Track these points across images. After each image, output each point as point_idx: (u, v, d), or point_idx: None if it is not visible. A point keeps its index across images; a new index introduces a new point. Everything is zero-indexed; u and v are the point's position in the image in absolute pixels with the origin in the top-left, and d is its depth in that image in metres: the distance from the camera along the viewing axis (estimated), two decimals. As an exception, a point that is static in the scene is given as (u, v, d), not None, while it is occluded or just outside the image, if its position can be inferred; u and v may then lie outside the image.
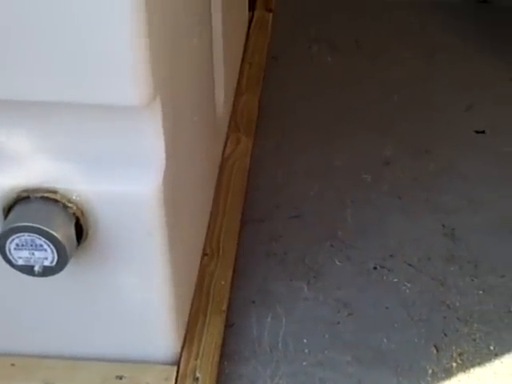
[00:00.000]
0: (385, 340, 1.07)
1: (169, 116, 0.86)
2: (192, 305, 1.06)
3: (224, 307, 1.08)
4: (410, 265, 1.18)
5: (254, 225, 1.25)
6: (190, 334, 1.02)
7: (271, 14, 1.70)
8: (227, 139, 1.36)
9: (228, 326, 1.09)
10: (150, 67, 0.77)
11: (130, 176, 0.85)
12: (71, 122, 0.82)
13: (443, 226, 1.24)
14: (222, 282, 1.10)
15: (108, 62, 0.74)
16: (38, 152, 0.84)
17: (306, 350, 1.06)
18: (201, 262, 1.13)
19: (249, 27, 1.65)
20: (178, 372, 0.98)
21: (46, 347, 0.99)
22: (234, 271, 1.15)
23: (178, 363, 0.99)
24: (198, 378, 0.98)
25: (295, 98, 1.51)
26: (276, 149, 1.39)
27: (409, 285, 1.15)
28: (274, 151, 1.39)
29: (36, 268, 0.85)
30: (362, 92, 1.51)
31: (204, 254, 1.14)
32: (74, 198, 0.85)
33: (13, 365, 0.99)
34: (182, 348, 1.01)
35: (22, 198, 0.85)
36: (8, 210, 0.86)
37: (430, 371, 1.04)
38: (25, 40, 0.73)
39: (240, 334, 1.08)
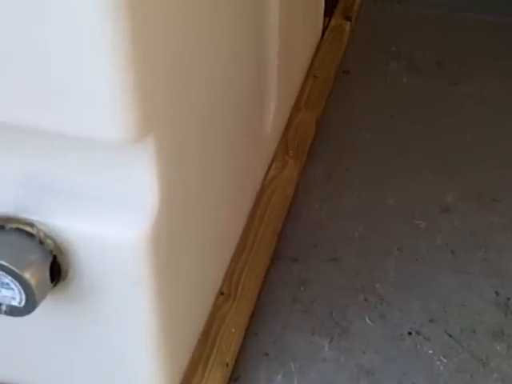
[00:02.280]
0: (404, 423, 0.95)
1: (170, 149, 0.75)
2: (194, 353, 0.96)
3: (228, 359, 0.96)
4: (450, 335, 1.04)
5: (285, 264, 1.12)
6: (184, 386, 0.92)
7: (349, 23, 1.56)
8: (273, 161, 1.23)
9: (233, 379, 0.98)
10: (139, 99, 0.65)
11: (116, 217, 0.74)
12: (58, 153, 0.72)
13: (497, 293, 1.09)
14: (233, 330, 0.99)
15: (89, 92, 0.64)
16: (18, 178, 0.74)
17: (312, 422, 0.95)
18: (214, 302, 1.02)
19: (322, 35, 1.52)
20: (162, 430, 0.88)
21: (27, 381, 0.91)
22: (251, 315, 1.04)
23: (164, 420, 0.90)
24: None
25: (359, 121, 1.37)
26: (326, 178, 1.26)
27: (445, 360, 1.01)
28: (323, 181, 1.26)
29: (3, 307, 0.76)
30: (434, 123, 1.36)
31: (220, 293, 1.03)
32: (52, 233, 0.75)
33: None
34: (174, 402, 0.91)
35: (-3, 227, 0.76)
36: (-17, 239, 0.77)
37: None
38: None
39: (243, 390, 0.98)
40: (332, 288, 1.09)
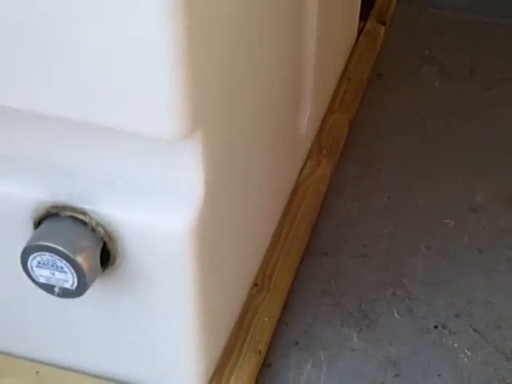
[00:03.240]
0: (429, 412, 0.99)
1: (216, 145, 0.80)
2: (229, 340, 1.01)
3: (261, 347, 1.01)
4: (475, 330, 1.08)
5: (317, 258, 1.17)
6: (218, 373, 0.97)
7: (384, 27, 1.60)
8: (307, 160, 1.28)
9: (265, 365, 1.03)
10: (190, 97, 0.70)
11: (164, 208, 0.79)
12: (110, 145, 0.78)
13: (522, 291, 1.13)
14: (266, 319, 1.04)
15: (139, 88, 0.69)
16: (74, 170, 0.80)
17: (341, 408, 1.00)
18: (249, 293, 1.07)
19: (357, 39, 1.56)
20: (198, 410, 0.94)
21: (72, 360, 0.96)
22: (283, 306, 1.09)
23: (200, 401, 0.95)
24: (218, 420, 0.93)
25: (390, 124, 1.41)
26: (358, 178, 1.31)
27: (469, 353, 1.05)
28: (355, 180, 1.30)
29: (56, 289, 0.82)
30: (466, 126, 1.40)
31: (254, 284, 1.08)
32: (103, 221, 0.81)
33: (37, 372, 0.97)
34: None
35: (51, 214, 0.82)
36: (38, 222, 0.83)
37: None
38: (57, 58, 0.69)
39: (276, 376, 1.02)
40: (361, 282, 1.14)
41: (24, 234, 0.83)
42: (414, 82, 1.51)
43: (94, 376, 0.96)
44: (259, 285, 1.08)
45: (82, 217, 0.80)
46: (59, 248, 0.78)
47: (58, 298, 0.87)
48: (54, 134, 0.79)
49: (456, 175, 1.31)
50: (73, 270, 0.79)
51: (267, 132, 1.03)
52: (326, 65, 1.30)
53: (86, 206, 0.80)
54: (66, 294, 0.82)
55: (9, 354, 0.98)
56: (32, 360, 0.97)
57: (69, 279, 0.80)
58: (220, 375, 0.97)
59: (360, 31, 1.57)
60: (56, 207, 0.81)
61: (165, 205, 0.79)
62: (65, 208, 0.81)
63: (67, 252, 0.78)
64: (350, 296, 1.12)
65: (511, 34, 1.63)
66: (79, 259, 0.79)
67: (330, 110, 1.38)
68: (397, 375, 1.03)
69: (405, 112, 1.44)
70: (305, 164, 1.27)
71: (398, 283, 1.14)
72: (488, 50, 1.58)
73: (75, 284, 0.80)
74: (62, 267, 0.79)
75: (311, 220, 1.21)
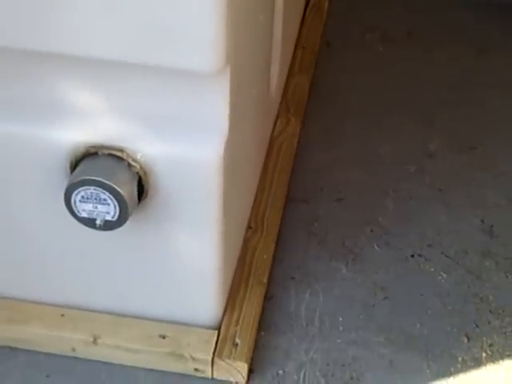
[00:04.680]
0: (418, 325, 1.10)
1: (234, 86, 0.89)
2: (234, 275, 1.10)
3: (265, 280, 1.11)
4: (447, 256, 1.21)
5: (298, 205, 1.28)
6: (231, 303, 1.06)
7: (328, 0, 1.72)
8: (277, 119, 1.39)
9: (267, 298, 1.12)
10: (226, 35, 0.80)
11: (194, 141, 0.88)
12: (144, 84, 0.85)
13: (482, 221, 1.26)
14: (265, 256, 1.14)
15: (187, 27, 0.78)
16: (110, 111, 0.87)
17: (341, 328, 1.09)
18: (245, 235, 1.16)
19: (304, 11, 1.68)
20: (218, 336, 1.02)
21: (95, 301, 1.03)
22: (275, 247, 1.19)
23: (218, 328, 1.03)
24: (237, 344, 1.01)
25: (346, 85, 1.53)
26: (323, 133, 1.42)
27: (444, 275, 1.18)
28: (321, 135, 1.41)
29: (97, 221, 0.89)
30: (412, 85, 1.53)
31: (248, 227, 1.18)
32: (138, 157, 0.88)
33: (62, 315, 1.03)
34: (223, 314, 1.04)
35: (90, 154, 0.89)
36: (75, 164, 0.90)
37: (459, 359, 1.07)
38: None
39: (278, 306, 1.12)
40: (341, 223, 1.25)
41: (59, 175, 0.90)
42: (360, 48, 1.64)
43: (118, 314, 1.03)
44: (253, 227, 1.17)
45: (119, 154, 0.88)
46: (104, 181, 0.86)
47: (87, 239, 0.95)
48: (91, 76, 0.86)
49: (410, 127, 1.44)
50: (115, 202, 0.87)
51: (257, 85, 1.12)
52: (287, 34, 1.40)
53: (123, 144, 0.88)
54: (106, 225, 0.89)
55: (34, 301, 1.03)
56: (56, 305, 1.03)
57: (111, 211, 0.88)
58: (232, 306, 1.05)
59: (306, 5, 1.69)
60: (94, 146, 0.88)
61: (195, 137, 0.88)
62: (102, 147, 0.88)
63: (111, 184, 0.86)
64: (333, 235, 1.23)
65: (447, 6, 1.76)
66: (122, 191, 0.86)
67: (291, 74, 1.49)
68: (385, 298, 1.14)
69: (356, 74, 1.56)
70: (275, 122, 1.37)
71: (373, 222, 1.26)
72: (425, 19, 1.71)
73: (117, 215, 0.88)
74: (105, 199, 0.87)
75: (289, 170, 1.31)
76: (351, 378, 1.03)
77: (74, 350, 1.02)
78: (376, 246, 1.22)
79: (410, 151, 1.39)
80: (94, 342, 1.01)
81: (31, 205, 0.94)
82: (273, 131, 1.35)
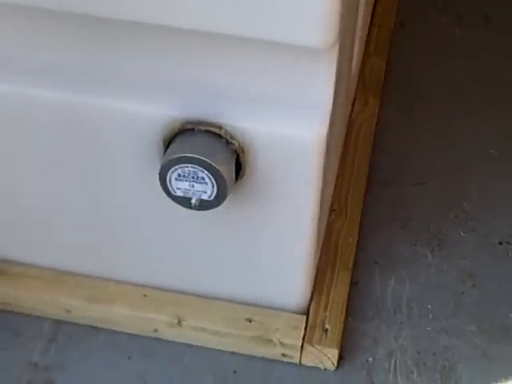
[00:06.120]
0: (510, 315, 1.06)
1: (338, 64, 0.85)
2: (320, 259, 1.06)
3: (351, 264, 1.07)
4: (536, 244, 1.17)
5: (379, 188, 1.23)
6: (318, 287, 1.02)
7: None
8: (355, 99, 1.34)
9: (352, 283, 1.08)
10: (339, 12, 0.76)
11: (297, 120, 0.84)
12: (247, 60, 0.82)
13: None
14: (350, 240, 1.10)
15: (302, 2, 0.74)
16: (208, 86, 0.84)
17: (430, 316, 1.06)
18: (328, 218, 1.13)
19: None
20: (307, 321, 0.99)
21: (180, 282, 1.00)
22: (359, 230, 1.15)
23: (306, 313, 1.00)
24: (326, 330, 0.98)
25: (421, 68, 1.48)
26: (401, 114, 1.37)
27: (535, 265, 1.14)
28: (399, 117, 1.37)
29: (193, 201, 0.85)
30: (489, 68, 1.48)
31: (332, 210, 1.14)
32: (237, 134, 0.85)
33: (145, 295, 1.01)
34: (311, 299, 1.01)
35: (185, 130, 0.86)
36: (169, 141, 0.87)
37: (555, 351, 1.03)
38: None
39: (364, 292, 1.08)
40: (424, 207, 1.21)
41: (152, 153, 0.87)
42: (435, 30, 1.59)
43: (202, 296, 1.00)
44: (337, 210, 1.14)
45: (217, 130, 0.84)
46: (203, 159, 0.82)
47: (177, 219, 0.92)
48: (190, 51, 0.82)
49: (489, 111, 1.38)
50: (213, 181, 0.83)
51: (346, 63, 1.08)
52: (366, 12, 1.36)
53: (221, 120, 0.84)
54: (202, 205, 0.85)
55: (117, 280, 1.01)
56: (139, 284, 1.01)
57: (207, 190, 0.84)
58: (319, 291, 1.02)
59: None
60: (190, 123, 0.85)
61: (298, 116, 0.84)
62: (200, 123, 0.85)
63: (211, 162, 0.82)
64: (416, 219, 1.19)
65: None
66: (221, 169, 0.83)
67: (367, 53, 1.44)
68: (474, 286, 1.10)
69: (431, 57, 1.51)
70: (354, 102, 1.33)
71: (457, 207, 1.21)
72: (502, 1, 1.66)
73: (214, 194, 0.84)
74: (203, 178, 0.83)
75: (369, 152, 1.26)
76: (444, 367, 0.99)
77: (156, 331, 1.00)
78: (462, 232, 1.18)
79: (491, 135, 1.34)
80: (179, 323, 0.98)
81: (121, 182, 0.91)
82: (351, 112, 1.31)
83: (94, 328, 1.01)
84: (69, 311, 1.00)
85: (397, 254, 1.14)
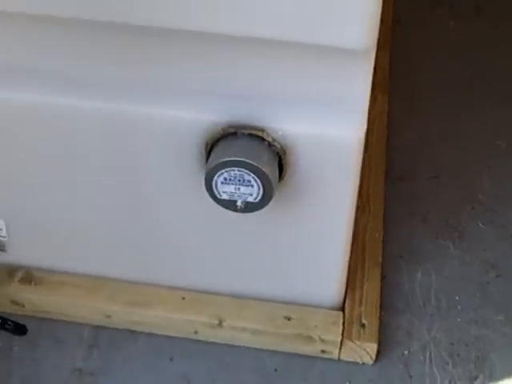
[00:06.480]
0: (536, 303, 1.10)
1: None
2: (350, 255, 1.08)
3: (380, 259, 1.09)
4: (554, 235, 1.20)
5: (395, 183, 1.26)
6: (350, 283, 1.04)
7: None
8: (364, 96, 1.37)
9: (381, 278, 1.11)
10: (379, 14, 0.78)
11: (336, 121, 0.86)
12: (287, 63, 0.83)
13: None
14: (377, 235, 1.12)
15: (344, 4, 0.76)
16: (250, 90, 0.85)
17: (459, 307, 1.08)
18: (352, 214, 1.15)
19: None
20: (344, 317, 1.01)
21: (217, 283, 1.01)
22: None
23: (342, 309, 1.02)
24: (364, 325, 1.00)
25: (421, 62, 1.50)
26: (409, 110, 1.40)
27: (555, 254, 1.17)
28: (406, 112, 1.40)
29: (238, 203, 0.87)
30: (484, 60, 1.51)
31: (356, 206, 1.16)
32: (279, 137, 0.87)
33: (183, 298, 1.02)
34: (345, 295, 1.03)
35: (228, 134, 0.87)
36: (211, 145, 0.88)
37: None
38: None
39: (392, 286, 1.10)
40: (441, 201, 1.24)
41: (192, 157, 0.88)
42: (430, 23, 1.61)
43: (239, 296, 1.01)
44: (360, 206, 1.16)
45: (259, 133, 0.86)
46: (250, 162, 0.84)
47: (217, 222, 0.93)
48: (230, 56, 0.83)
49: (491, 103, 1.41)
50: (260, 183, 0.85)
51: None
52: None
53: (264, 123, 0.86)
54: (247, 207, 0.87)
55: (154, 284, 1.02)
56: (176, 288, 1.02)
57: (253, 192, 0.86)
58: (352, 287, 1.04)
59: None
60: (233, 126, 0.86)
61: (337, 117, 0.86)
62: (242, 126, 0.86)
63: (257, 165, 0.84)
64: (434, 213, 1.22)
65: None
66: (267, 171, 0.84)
67: (371, 50, 1.47)
68: (498, 276, 1.13)
69: (429, 50, 1.54)
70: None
71: (473, 199, 1.24)
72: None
73: (259, 197, 0.86)
74: (249, 181, 0.85)
75: (384, 148, 1.29)
76: (477, 357, 1.02)
77: (196, 332, 1.01)
78: (480, 224, 1.20)
79: (496, 127, 1.38)
80: (220, 324, 0.99)
81: (162, 187, 0.92)
82: (363, 109, 1.33)
83: (133, 332, 1.02)
84: (109, 316, 1.01)
85: (420, 248, 1.16)
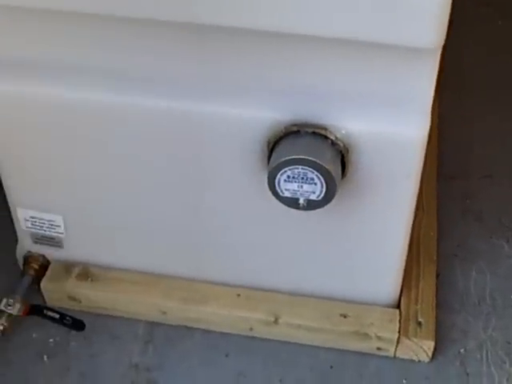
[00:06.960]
0: None
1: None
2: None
3: (435, 257, 1.09)
4: None
5: (447, 181, 1.25)
6: (406, 281, 1.04)
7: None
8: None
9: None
10: (449, 12, 0.78)
11: (400, 119, 0.85)
12: (353, 61, 0.83)
13: None
14: (431, 233, 1.12)
15: (415, 3, 0.75)
16: (312, 88, 0.85)
17: (515, 306, 1.08)
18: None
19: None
20: (400, 315, 1.00)
21: (272, 281, 1.02)
22: (436, 223, 1.17)
23: (397, 307, 1.02)
24: (420, 323, 1.00)
25: (469, 60, 1.50)
26: (457, 108, 1.39)
27: None
28: (456, 110, 1.39)
29: (301, 201, 0.87)
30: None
31: (412, 205, 1.16)
32: (341, 135, 0.87)
33: (238, 295, 1.02)
34: (401, 293, 1.03)
35: (290, 133, 0.87)
36: (274, 143, 0.88)
37: None
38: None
39: (447, 285, 1.10)
40: (494, 199, 1.23)
41: (255, 155, 0.88)
42: (478, 22, 1.60)
43: (294, 294, 1.01)
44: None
45: (323, 132, 0.86)
46: (314, 160, 0.84)
47: (276, 221, 0.93)
48: (294, 55, 0.83)
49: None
50: (323, 181, 0.85)
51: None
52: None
53: (326, 122, 0.86)
54: (310, 205, 0.87)
55: (208, 281, 1.03)
56: (231, 285, 1.02)
57: (316, 190, 0.86)
58: (407, 285, 1.04)
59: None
60: (296, 125, 0.86)
61: (401, 116, 0.85)
62: (305, 125, 0.86)
63: (321, 163, 0.84)
64: (488, 212, 1.21)
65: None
66: (331, 169, 0.84)
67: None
68: (552, 275, 1.12)
69: (478, 48, 1.53)
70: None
71: (526, 198, 1.24)
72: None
73: (322, 194, 0.86)
74: (312, 179, 0.85)
75: (435, 145, 1.28)
76: (534, 356, 1.02)
77: (251, 329, 1.01)
78: (534, 223, 1.20)
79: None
80: (275, 321, 1.00)
81: (223, 185, 0.93)
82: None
83: (189, 328, 1.03)
84: (164, 313, 1.02)
85: (474, 246, 1.16)
